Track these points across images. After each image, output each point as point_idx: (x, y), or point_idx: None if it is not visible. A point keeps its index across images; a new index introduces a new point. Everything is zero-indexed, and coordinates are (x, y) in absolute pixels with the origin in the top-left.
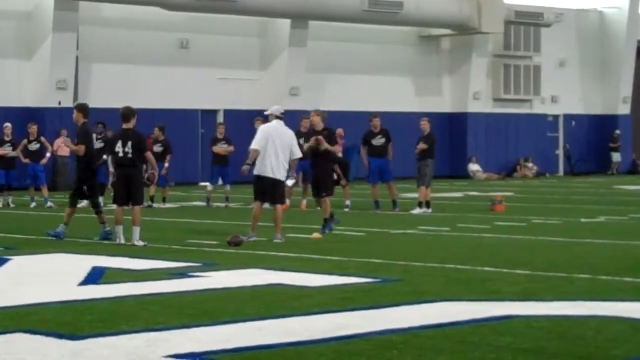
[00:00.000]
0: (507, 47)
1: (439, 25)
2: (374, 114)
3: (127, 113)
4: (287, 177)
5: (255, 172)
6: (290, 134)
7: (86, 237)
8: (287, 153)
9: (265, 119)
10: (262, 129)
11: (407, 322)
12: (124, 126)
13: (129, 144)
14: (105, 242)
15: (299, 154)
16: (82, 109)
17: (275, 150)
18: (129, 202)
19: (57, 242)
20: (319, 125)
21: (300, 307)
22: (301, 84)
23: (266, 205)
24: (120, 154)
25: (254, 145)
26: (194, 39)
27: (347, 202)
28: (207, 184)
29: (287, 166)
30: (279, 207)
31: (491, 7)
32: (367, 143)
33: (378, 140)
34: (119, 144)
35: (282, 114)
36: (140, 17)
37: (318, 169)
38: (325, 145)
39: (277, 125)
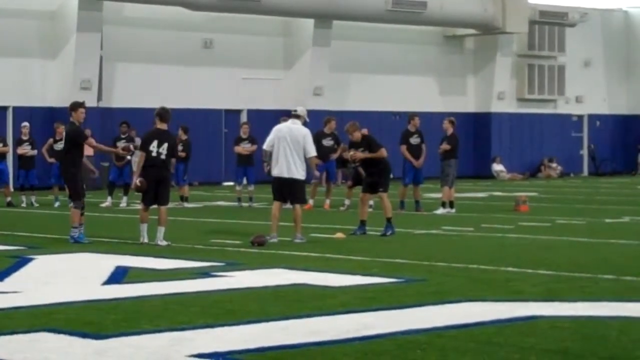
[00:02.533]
0: (532, 47)
1: (463, 25)
2: (414, 114)
3: (164, 113)
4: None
5: (273, 173)
6: (302, 132)
7: (109, 237)
8: (300, 152)
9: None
10: (274, 129)
11: (431, 323)
12: (159, 126)
13: (165, 145)
14: (129, 241)
15: (313, 152)
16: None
17: (288, 149)
18: (155, 202)
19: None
20: (357, 136)
21: (324, 307)
22: (325, 84)
23: (288, 205)
24: (154, 154)
25: (264, 145)
26: (217, 38)
27: (370, 203)
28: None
29: (304, 165)
30: (298, 206)
31: (516, 7)
32: (406, 142)
33: (415, 140)
34: (155, 143)
35: (294, 112)
36: (164, 17)
37: (371, 170)
38: (361, 156)
39: (290, 124)
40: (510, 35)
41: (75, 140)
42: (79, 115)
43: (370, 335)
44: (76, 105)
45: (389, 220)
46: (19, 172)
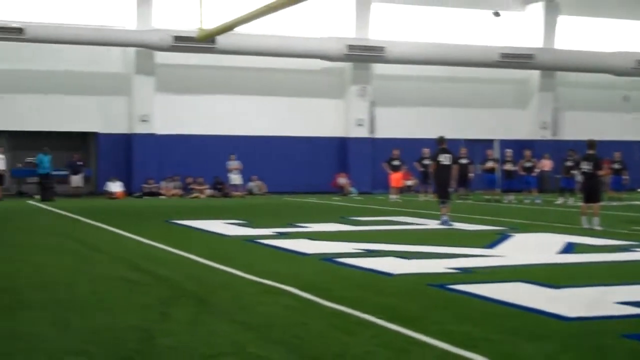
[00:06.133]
0: None
1: None
2: None
3: (591, 143)
4: None
5: None
6: None
7: (560, 223)
8: None
9: None
10: None
11: None
12: (588, 152)
13: (591, 164)
14: (575, 226)
15: None
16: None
17: None
18: (589, 200)
19: (545, 225)
20: None
21: None
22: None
23: None
24: (585, 170)
25: None
26: None
27: None
28: None
29: None
30: None
31: None
32: None
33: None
34: (584, 163)
35: None
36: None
37: None
38: None
39: None
40: None
41: None
42: None
43: None
44: None
45: None
46: (504, 181)
